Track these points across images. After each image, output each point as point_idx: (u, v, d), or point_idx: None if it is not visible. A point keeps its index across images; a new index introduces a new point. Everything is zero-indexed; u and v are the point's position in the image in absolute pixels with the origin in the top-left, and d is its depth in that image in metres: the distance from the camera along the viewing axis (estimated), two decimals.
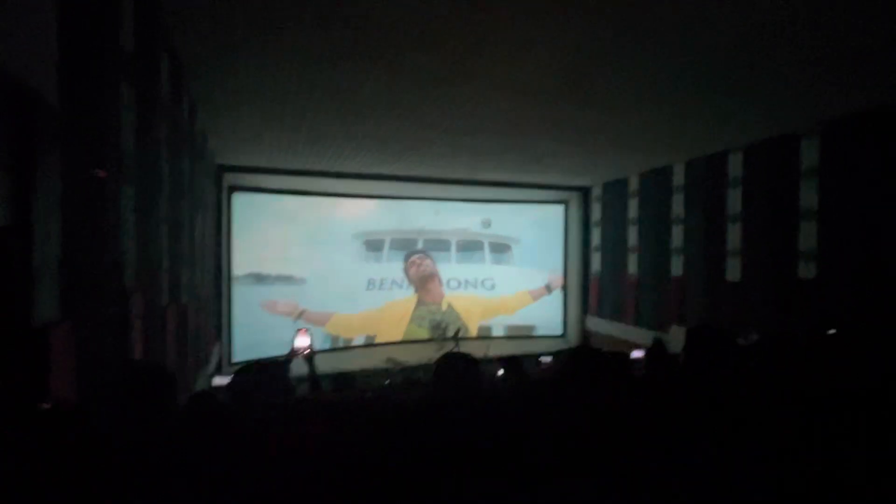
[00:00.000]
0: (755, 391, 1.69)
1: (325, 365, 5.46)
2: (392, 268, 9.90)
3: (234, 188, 8.21)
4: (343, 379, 7.39)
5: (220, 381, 4.32)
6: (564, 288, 10.97)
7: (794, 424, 1.50)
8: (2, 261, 1.75)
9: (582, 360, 1.60)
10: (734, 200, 6.79)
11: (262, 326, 8.49)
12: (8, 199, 1.70)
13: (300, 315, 8.78)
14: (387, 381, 6.40)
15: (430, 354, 6.87)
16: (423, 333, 9.85)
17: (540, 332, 10.78)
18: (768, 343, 2.02)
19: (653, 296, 8.48)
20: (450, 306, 10.21)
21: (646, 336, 7.45)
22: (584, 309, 10.69)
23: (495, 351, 8.09)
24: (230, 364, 7.95)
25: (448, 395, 1.60)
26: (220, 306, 7.84)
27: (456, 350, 8.68)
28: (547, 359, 6.71)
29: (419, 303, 10.04)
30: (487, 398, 1.58)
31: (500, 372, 3.92)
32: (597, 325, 10.04)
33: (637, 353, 4.54)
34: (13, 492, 0.99)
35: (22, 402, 1.52)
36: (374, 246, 9.78)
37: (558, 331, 10.82)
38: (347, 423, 1.40)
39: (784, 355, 1.93)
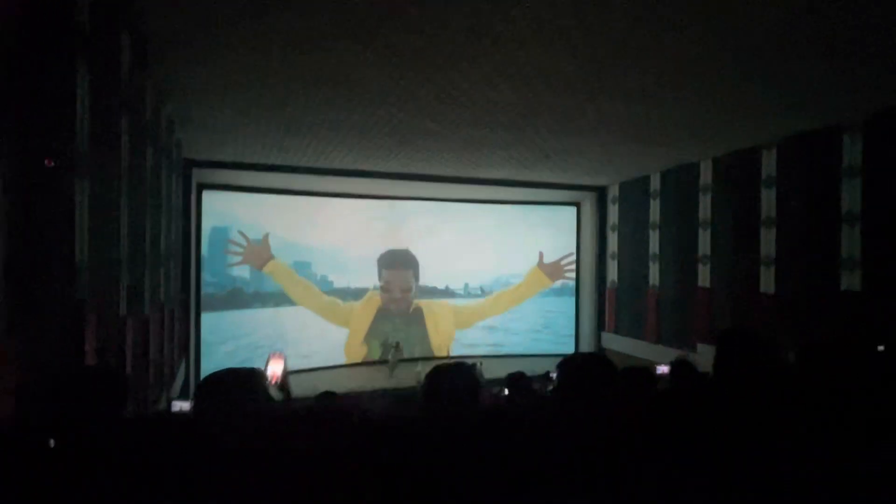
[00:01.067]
0: (795, 409, 1.66)
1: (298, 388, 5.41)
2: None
3: (204, 186, 8.18)
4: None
5: (183, 405, 4.26)
6: (577, 301, 10.95)
7: (843, 449, 1.47)
8: None
9: (595, 369, 1.57)
10: (768, 202, 6.79)
11: (235, 341, 8.47)
12: None
13: (265, 264, 8.89)
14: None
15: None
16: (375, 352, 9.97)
17: (548, 350, 10.75)
18: (811, 356, 1.98)
19: (677, 310, 8.46)
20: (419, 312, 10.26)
21: (669, 355, 7.41)
22: (599, 324, 10.67)
23: (491, 372, 8.02)
24: (197, 381, 7.88)
25: (441, 410, 1.57)
26: (187, 318, 7.78)
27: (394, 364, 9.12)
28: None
29: (380, 311, 10.11)
30: (486, 413, 1.55)
31: (505, 391, 3.88)
32: (613, 342, 10.01)
33: (662, 368, 4.52)
34: None
35: None
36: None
37: (569, 349, 10.79)
38: (334, 435, 1.38)
39: (829, 371, 1.90)
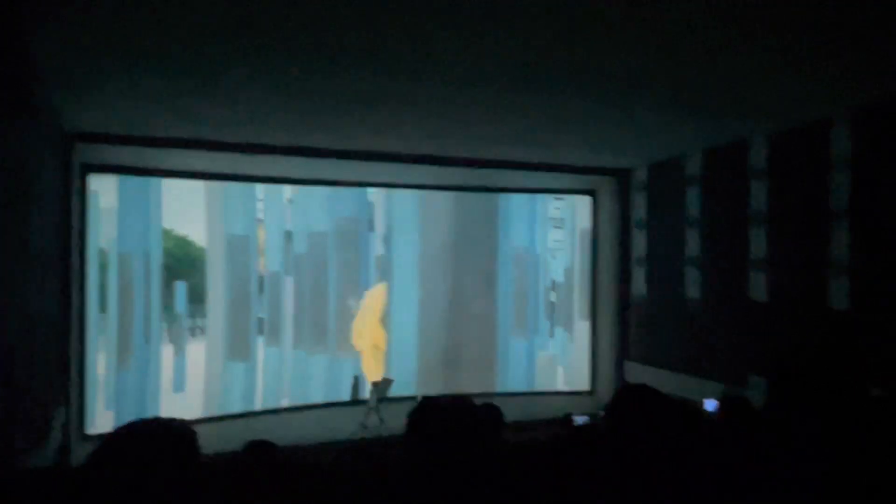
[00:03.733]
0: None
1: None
2: None
3: (89, 167, 8.07)
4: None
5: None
6: (592, 323, 11.01)
7: None
8: None
9: (637, 401, 1.57)
10: (840, 190, 6.87)
11: (135, 377, 8.36)
12: None
13: None
14: None
15: None
16: None
17: (554, 386, 10.84)
18: None
19: (723, 331, 8.53)
20: None
21: (715, 391, 7.47)
22: (623, 352, 10.72)
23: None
24: (83, 438, 7.75)
25: (436, 452, 1.60)
26: (66, 347, 7.61)
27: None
28: (582, 419, 6.76)
29: None
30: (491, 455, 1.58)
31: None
32: (641, 374, 10.04)
33: (711, 404, 4.56)
34: None
35: None
36: None
37: (584, 385, 10.85)
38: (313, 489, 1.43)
39: None
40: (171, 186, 8.93)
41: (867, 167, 6.57)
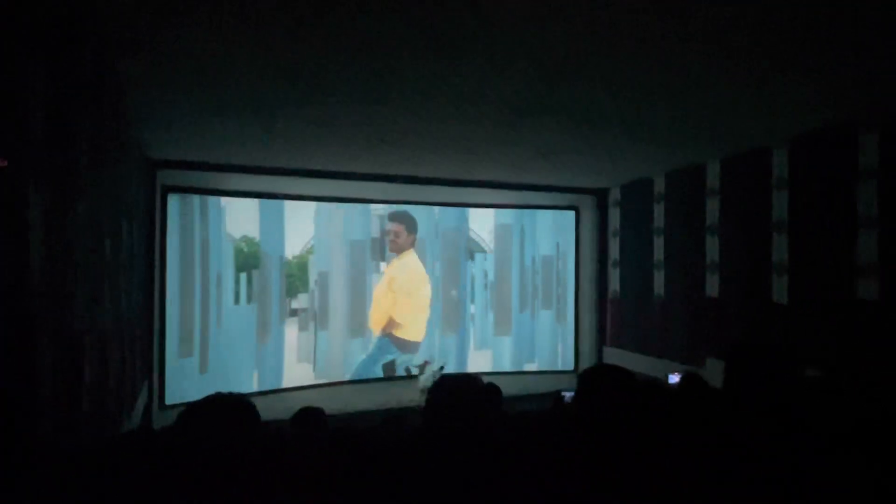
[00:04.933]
0: (818, 428, 1.69)
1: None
2: None
3: (169, 188, 8.14)
4: None
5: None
6: (576, 313, 10.98)
7: (869, 470, 1.49)
8: None
9: (604, 379, 1.60)
10: (779, 205, 6.88)
11: (207, 360, 8.39)
12: None
13: None
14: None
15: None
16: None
17: (545, 366, 10.77)
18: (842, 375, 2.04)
19: (685, 322, 8.52)
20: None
21: (677, 371, 7.46)
22: (601, 339, 10.71)
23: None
24: (161, 407, 7.81)
25: (444, 424, 1.61)
26: (150, 335, 7.70)
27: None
28: (569, 394, 6.73)
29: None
30: (491, 428, 1.59)
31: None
32: (616, 357, 10.05)
33: (674, 378, 4.55)
34: None
35: None
36: None
37: (569, 365, 10.82)
38: (342, 457, 1.43)
39: (865, 390, 1.94)
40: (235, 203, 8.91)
41: (804, 187, 6.59)
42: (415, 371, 9.70)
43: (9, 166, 2.20)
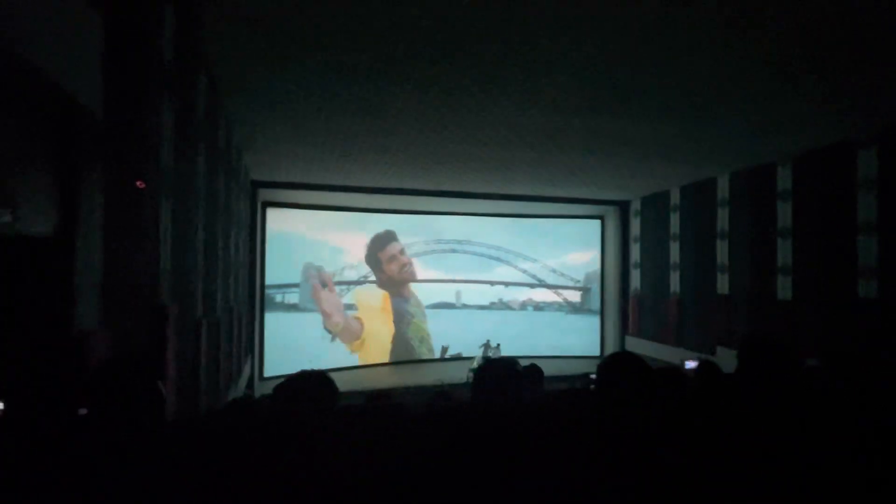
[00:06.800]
0: (821, 416, 1.57)
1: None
2: None
3: (267, 203, 8.40)
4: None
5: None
6: (601, 307, 10.71)
7: (864, 455, 1.38)
8: (45, 271, 1.80)
9: (626, 367, 1.54)
10: (784, 214, 6.51)
11: (292, 342, 8.62)
12: (52, 209, 1.76)
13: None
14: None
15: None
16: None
17: (575, 352, 10.53)
18: (837, 363, 1.89)
19: (697, 316, 8.17)
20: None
21: (690, 358, 7.15)
22: (623, 329, 10.39)
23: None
24: (261, 379, 8.06)
25: (487, 402, 1.59)
26: (252, 321, 7.97)
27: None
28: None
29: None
30: (528, 407, 1.55)
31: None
32: (637, 345, 9.71)
33: (691, 364, 4.35)
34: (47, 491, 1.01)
35: (60, 407, 1.56)
36: None
37: (595, 351, 10.55)
38: (390, 429, 1.42)
39: (856, 378, 1.80)
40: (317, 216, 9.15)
41: (806, 198, 6.23)
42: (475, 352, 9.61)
43: (146, 188, 2.33)
